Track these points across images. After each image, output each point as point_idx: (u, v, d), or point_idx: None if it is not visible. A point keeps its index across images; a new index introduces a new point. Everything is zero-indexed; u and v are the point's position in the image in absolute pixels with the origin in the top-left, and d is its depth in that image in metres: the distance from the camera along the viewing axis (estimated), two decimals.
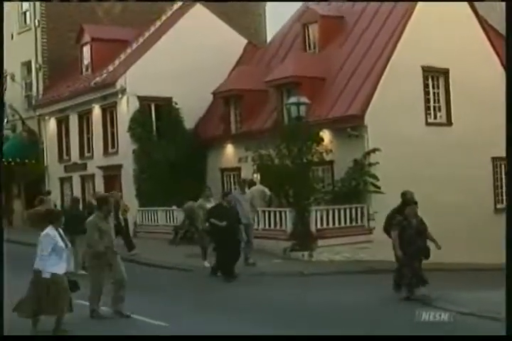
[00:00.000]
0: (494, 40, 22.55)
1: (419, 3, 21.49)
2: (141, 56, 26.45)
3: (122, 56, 27.40)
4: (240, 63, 27.35)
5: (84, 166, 28.31)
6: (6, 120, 30.06)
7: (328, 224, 19.50)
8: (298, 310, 11.37)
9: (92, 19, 29.84)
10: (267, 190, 19.21)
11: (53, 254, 9.16)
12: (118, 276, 10.45)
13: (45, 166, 30.31)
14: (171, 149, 25.32)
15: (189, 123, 26.31)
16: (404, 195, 13.43)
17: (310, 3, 25.63)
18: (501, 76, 15.85)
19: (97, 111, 27.42)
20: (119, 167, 26.18)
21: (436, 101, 22.09)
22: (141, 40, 27.94)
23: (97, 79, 27.05)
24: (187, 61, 25.66)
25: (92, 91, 27.05)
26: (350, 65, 22.04)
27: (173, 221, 23.38)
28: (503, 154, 10.68)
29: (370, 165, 20.01)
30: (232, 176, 25.39)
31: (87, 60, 29.15)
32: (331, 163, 20.88)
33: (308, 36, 24.83)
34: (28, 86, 31.67)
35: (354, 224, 19.95)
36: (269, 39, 30.24)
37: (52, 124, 30.19)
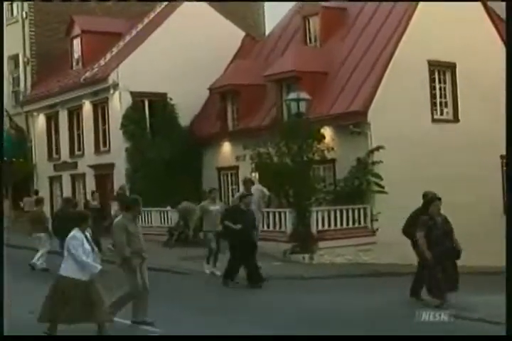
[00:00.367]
0: (504, 32, 22.63)
1: None
2: (135, 49, 26.50)
3: (114, 49, 27.45)
4: (238, 57, 27.41)
5: (74, 165, 28.38)
6: None
7: (329, 225, 19.59)
8: (297, 315, 11.44)
9: (83, 10, 29.90)
10: (265, 190, 19.31)
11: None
12: (142, 283, 10.34)
13: (33, 165, 30.39)
14: (166, 147, 25.37)
15: (184, 120, 26.38)
16: (425, 196, 13.14)
17: None
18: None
19: (87, 107, 27.48)
20: (111, 166, 26.25)
21: (443, 96, 22.18)
22: (134, 32, 27.99)
23: (88, 73, 27.11)
24: (182, 55, 25.75)
25: (82, 87, 27.10)
26: (352, 59, 22.12)
27: (168, 222, 23.47)
28: None
29: (373, 163, 20.10)
30: (229, 175, 25.47)
31: (77, 53, 29.22)
32: (333, 161, 20.96)
33: (309, 29, 24.90)
34: (16, 81, 31.74)
35: (357, 225, 20.05)
36: (268, 31, 30.31)
37: (40, 121, 30.26)
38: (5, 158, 28.00)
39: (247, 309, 12.01)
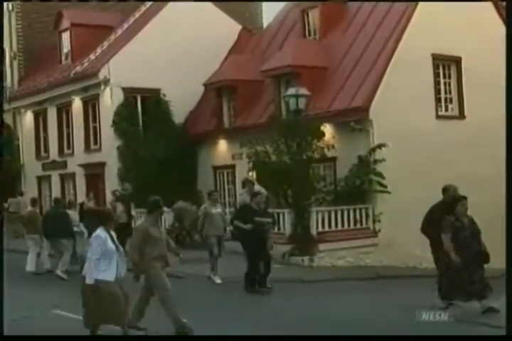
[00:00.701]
0: None
1: None
2: (126, 43, 26.50)
3: (105, 43, 27.45)
4: (234, 51, 27.44)
5: (63, 164, 28.39)
6: None
7: (330, 226, 19.62)
8: (296, 320, 11.48)
9: (72, 3, 29.90)
10: (263, 190, 19.30)
11: (102, 258, 9.08)
12: (150, 289, 10.31)
13: (21, 164, 30.40)
14: (159, 145, 25.40)
15: (178, 117, 26.40)
16: (446, 190, 12.61)
17: None
18: None
19: (77, 103, 27.49)
20: (102, 165, 26.26)
21: (448, 92, 22.23)
22: (125, 25, 28.00)
23: (78, 68, 27.11)
24: (176, 49, 25.76)
25: (72, 82, 27.11)
26: (353, 53, 22.16)
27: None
28: None
29: (375, 162, 20.14)
30: (225, 174, 25.51)
31: (66, 47, 29.24)
32: (333, 159, 21.00)
33: (309, 22, 24.94)
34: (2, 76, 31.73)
35: (358, 226, 20.09)
36: (265, 24, 30.35)
37: (28, 118, 30.28)
38: None
39: (243, 314, 12.01)
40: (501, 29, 22.51)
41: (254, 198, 14.82)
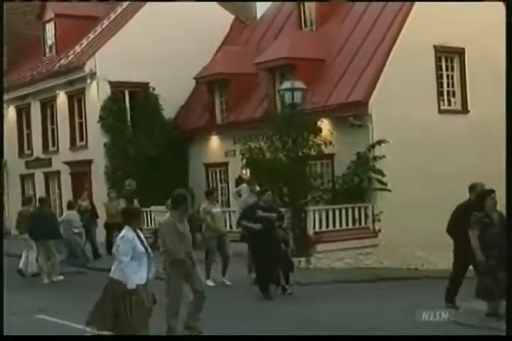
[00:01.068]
0: None
1: None
2: (113, 35, 26.48)
3: (91, 35, 27.42)
4: (226, 43, 27.43)
5: (48, 162, 28.35)
6: None
7: (327, 226, 19.63)
8: (292, 324, 11.48)
9: None
10: (257, 188, 19.31)
11: (131, 260, 8.77)
12: (198, 287, 10.23)
13: (3, 162, 30.32)
14: (148, 142, 25.38)
15: (168, 112, 26.38)
16: (473, 188, 12.36)
17: None
18: None
19: (62, 98, 27.43)
20: (89, 163, 26.24)
21: (451, 85, 22.24)
22: (112, 16, 27.97)
23: (63, 61, 27.07)
24: (166, 41, 25.71)
25: (56, 76, 27.07)
26: (351, 45, 22.15)
27: (152, 223, 23.47)
28: None
29: (375, 159, 20.15)
30: (217, 172, 25.51)
31: (50, 39, 29.17)
32: (331, 156, 21.00)
33: (305, 12, 24.93)
34: None
35: (357, 226, 20.10)
36: (259, 15, 30.32)
37: (11, 113, 30.20)
38: None
39: (237, 318, 12.00)
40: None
41: (262, 196, 14.61)
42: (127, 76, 25.24)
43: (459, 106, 22.25)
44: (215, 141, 25.44)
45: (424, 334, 9.98)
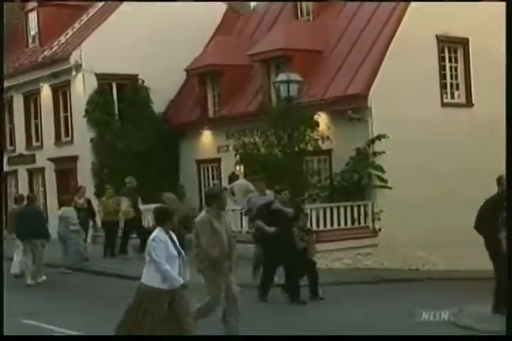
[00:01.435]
0: None
1: None
2: (100, 25, 26.47)
3: (76, 25, 27.39)
4: (219, 33, 27.42)
5: (32, 158, 28.33)
6: None
7: (325, 225, 19.65)
8: (289, 329, 11.50)
9: None
10: (251, 186, 19.34)
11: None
12: (230, 292, 10.15)
13: None
14: (137, 137, 25.38)
15: (158, 105, 26.37)
16: (501, 180, 11.95)
17: None
18: None
19: (46, 91, 27.42)
20: (75, 159, 26.23)
21: (454, 77, 22.28)
22: (99, 5, 27.93)
23: (46, 52, 27.04)
24: (155, 30, 25.69)
25: (40, 68, 27.05)
26: (350, 35, 22.17)
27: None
28: None
29: (374, 154, 20.17)
30: (210, 169, 25.52)
31: (33, 29, 29.14)
32: (329, 152, 21.04)
33: (301, 1, 24.94)
34: None
35: (356, 225, 20.13)
36: (253, 4, 30.29)
37: None
38: None
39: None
40: None
41: (279, 195, 14.46)
42: (115, 68, 25.21)
43: (462, 100, 22.28)
44: (207, 136, 25.45)
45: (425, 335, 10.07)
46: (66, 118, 26.90)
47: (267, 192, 15.66)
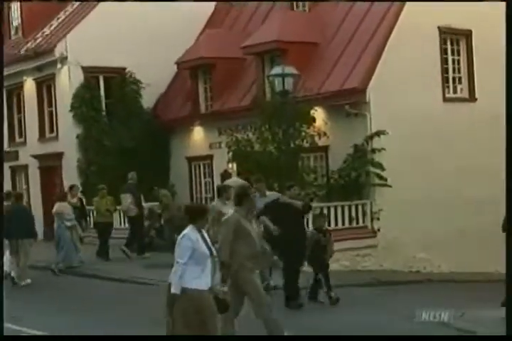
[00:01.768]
0: None
1: None
2: (86, 15, 26.43)
3: (61, 16, 27.36)
4: (211, 25, 27.42)
5: (14, 155, 28.30)
6: None
7: None
8: (288, 331, 11.54)
9: None
10: (245, 184, 19.36)
11: (193, 264, 8.49)
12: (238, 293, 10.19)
13: None
14: (125, 133, 25.38)
15: (147, 100, 26.40)
16: None
17: None
18: None
19: (30, 85, 27.41)
20: (59, 156, 26.23)
21: (457, 71, 22.32)
22: None
23: (30, 44, 27.00)
24: (144, 22, 25.69)
25: (23, 61, 27.02)
26: (348, 27, 22.18)
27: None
28: None
29: (373, 151, 20.20)
30: (201, 166, 25.54)
31: (16, 20, 29.10)
32: (325, 149, 21.07)
33: None
34: None
35: (354, 225, 20.16)
36: None
37: None
38: None
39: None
40: None
41: (288, 191, 14.48)
42: (102, 60, 25.21)
43: (465, 94, 22.33)
44: (198, 132, 25.46)
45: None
46: (51, 113, 26.89)
47: (268, 193, 15.67)
